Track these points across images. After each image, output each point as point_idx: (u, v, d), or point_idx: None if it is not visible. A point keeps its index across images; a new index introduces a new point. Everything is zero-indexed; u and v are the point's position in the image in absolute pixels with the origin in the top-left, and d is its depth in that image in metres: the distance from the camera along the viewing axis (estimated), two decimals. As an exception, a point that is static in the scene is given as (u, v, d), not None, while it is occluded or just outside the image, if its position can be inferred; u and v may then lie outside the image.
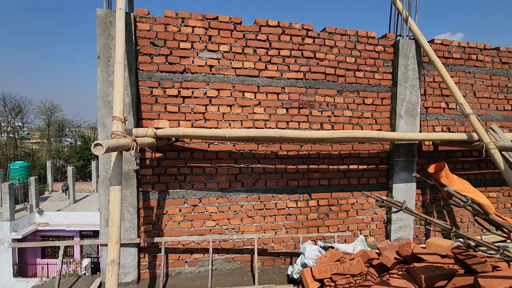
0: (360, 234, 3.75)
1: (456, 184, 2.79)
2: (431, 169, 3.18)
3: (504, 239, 3.41)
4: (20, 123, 34.70)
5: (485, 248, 3.24)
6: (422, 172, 3.88)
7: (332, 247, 3.05)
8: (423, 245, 3.06)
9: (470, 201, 2.52)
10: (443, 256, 2.13)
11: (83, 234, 16.20)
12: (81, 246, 16.17)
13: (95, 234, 15.93)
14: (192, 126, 3.21)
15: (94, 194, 19.23)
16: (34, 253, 15.77)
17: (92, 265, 13.76)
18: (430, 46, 3.67)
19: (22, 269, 14.68)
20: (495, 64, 4.08)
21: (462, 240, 3.71)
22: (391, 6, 3.77)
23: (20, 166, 18.64)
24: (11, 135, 31.40)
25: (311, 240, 3.51)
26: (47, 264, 14.43)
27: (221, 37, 3.23)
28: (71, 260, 14.80)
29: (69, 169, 17.91)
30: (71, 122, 38.51)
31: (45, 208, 16.10)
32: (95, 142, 1.78)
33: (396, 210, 2.09)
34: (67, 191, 17.94)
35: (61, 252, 2.89)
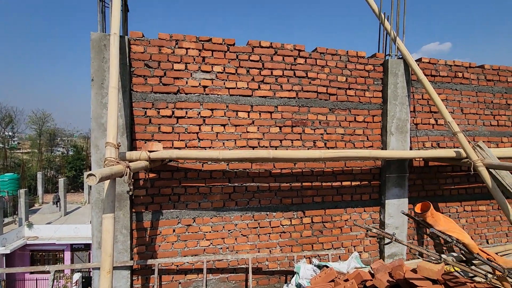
0: (354, 250, 3.77)
1: (441, 223, 2.86)
2: (418, 208, 3.30)
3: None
4: (10, 133, 34.07)
5: (477, 262, 3.30)
6: (413, 188, 3.96)
7: (327, 266, 3.06)
8: (415, 262, 3.09)
9: (455, 241, 2.63)
10: (434, 282, 2.17)
11: (74, 248, 15.83)
12: (72, 260, 15.79)
13: (86, 247, 15.59)
14: (186, 146, 3.22)
15: (86, 206, 18.87)
16: (23, 268, 15.32)
17: (83, 280, 13.40)
18: (418, 65, 3.79)
19: (10, 285, 14.22)
20: (480, 81, 4.22)
21: (454, 254, 3.76)
22: (380, 27, 3.88)
23: (10, 178, 18.27)
24: (0, 145, 30.78)
25: (306, 258, 3.51)
26: (36, 279, 14.02)
27: (215, 58, 3.28)
28: (61, 275, 14.40)
29: (60, 180, 17.61)
30: (63, 131, 37.97)
31: (35, 221, 15.73)
32: (88, 172, 1.78)
33: (388, 241, 2.14)
34: (58, 203, 17.61)
35: (51, 277, 2.84)
